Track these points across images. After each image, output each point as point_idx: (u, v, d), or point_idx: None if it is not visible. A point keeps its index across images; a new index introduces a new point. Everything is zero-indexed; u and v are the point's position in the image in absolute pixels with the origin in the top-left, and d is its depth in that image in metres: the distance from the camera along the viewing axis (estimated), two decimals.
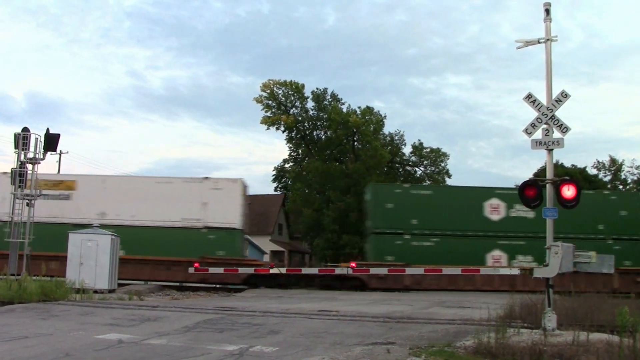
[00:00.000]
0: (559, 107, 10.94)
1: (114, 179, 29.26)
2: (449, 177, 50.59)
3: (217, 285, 25.89)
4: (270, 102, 48.59)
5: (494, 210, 25.92)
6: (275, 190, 56.22)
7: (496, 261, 25.24)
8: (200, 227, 25.49)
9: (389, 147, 49.99)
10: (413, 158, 52.13)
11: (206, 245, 25.02)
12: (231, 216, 25.70)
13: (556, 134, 10.91)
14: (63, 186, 26.45)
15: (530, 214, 22.57)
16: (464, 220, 25.85)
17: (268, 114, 48.36)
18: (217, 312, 14.09)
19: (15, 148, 20.21)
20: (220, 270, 21.34)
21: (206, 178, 26.78)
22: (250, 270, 23.07)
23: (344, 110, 48.33)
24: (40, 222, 22.38)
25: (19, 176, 20.07)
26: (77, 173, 33.15)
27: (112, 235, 21.01)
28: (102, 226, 23.55)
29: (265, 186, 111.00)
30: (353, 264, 21.29)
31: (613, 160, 51.35)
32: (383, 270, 21.82)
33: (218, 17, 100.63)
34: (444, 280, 23.57)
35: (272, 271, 21.07)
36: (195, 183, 26.67)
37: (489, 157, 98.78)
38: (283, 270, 24.47)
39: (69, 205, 26.20)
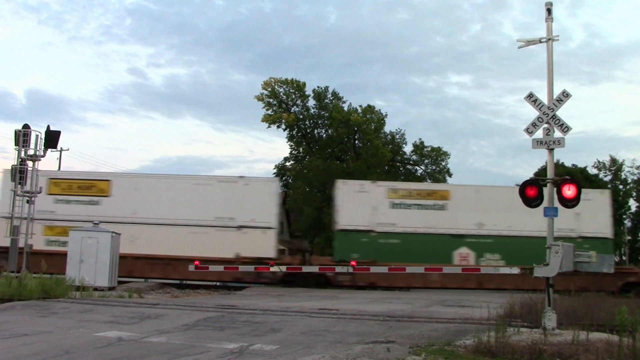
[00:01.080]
0: (560, 107, 10.94)
1: (488, 189, 28.40)
2: (450, 176, 50.38)
3: (217, 284, 25.87)
4: (271, 100, 48.46)
5: None
6: None
7: None
8: (575, 237, 25.64)
9: (390, 146, 49.85)
10: (414, 157, 51.96)
11: None
12: (602, 226, 26.73)
13: (557, 134, 10.91)
14: (437, 196, 26.61)
15: None
16: None
17: (269, 112, 48.24)
18: (217, 310, 14.09)
19: (15, 145, 20.23)
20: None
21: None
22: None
23: (345, 108, 48.22)
24: (415, 233, 23.55)
25: (19, 173, 20.09)
26: (452, 183, 32.58)
27: (112, 232, 20.98)
28: (481, 236, 25.10)
29: None
30: (353, 263, 21.44)
31: (613, 160, 51.36)
32: None
33: (220, 14, 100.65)
34: None
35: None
36: None
37: (490, 155, 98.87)
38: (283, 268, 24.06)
39: (443, 215, 26.14)
